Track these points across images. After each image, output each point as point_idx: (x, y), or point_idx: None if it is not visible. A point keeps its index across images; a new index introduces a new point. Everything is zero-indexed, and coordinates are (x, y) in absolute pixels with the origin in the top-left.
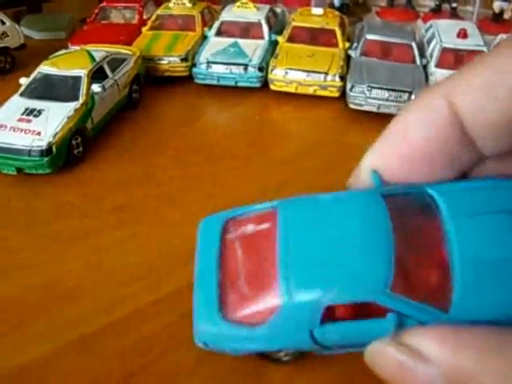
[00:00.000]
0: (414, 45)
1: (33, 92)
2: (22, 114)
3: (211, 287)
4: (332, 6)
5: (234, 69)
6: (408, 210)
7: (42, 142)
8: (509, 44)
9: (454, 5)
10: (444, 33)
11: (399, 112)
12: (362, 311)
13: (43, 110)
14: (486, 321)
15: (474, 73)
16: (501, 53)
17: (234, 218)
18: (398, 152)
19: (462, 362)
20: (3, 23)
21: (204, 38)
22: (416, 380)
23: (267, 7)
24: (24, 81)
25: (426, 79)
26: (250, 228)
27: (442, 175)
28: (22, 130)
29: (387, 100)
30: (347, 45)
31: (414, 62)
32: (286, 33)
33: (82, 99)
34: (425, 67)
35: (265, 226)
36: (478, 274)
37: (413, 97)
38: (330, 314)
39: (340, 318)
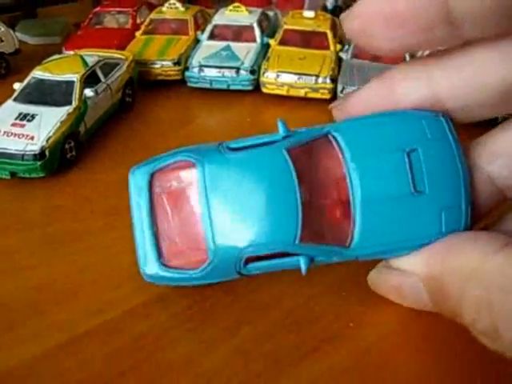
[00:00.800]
0: None
1: (26, 97)
2: (16, 119)
3: (149, 236)
4: (325, 8)
5: (227, 72)
6: (312, 157)
7: (35, 147)
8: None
9: None
10: None
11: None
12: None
13: (36, 114)
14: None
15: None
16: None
17: (159, 171)
18: (382, 14)
19: (433, 268)
20: None
21: (197, 41)
22: (406, 292)
23: (259, 11)
24: (18, 86)
25: None
26: (174, 183)
27: (413, 42)
28: (15, 134)
29: None
30: (339, 47)
31: None
32: (278, 36)
33: (74, 103)
34: None
35: (187, 181)
36: (376, 211)
37: None
38: (251, 259)
39: (261, 258)
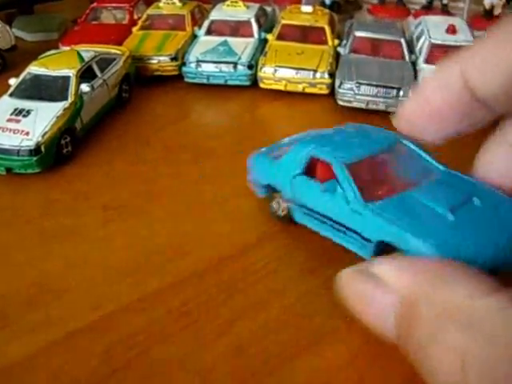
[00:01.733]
0: (402, 41)
1: (22, 92)
2: (11, 114)
3: None
4: (323, 3)
5: (224, 67)
6: None
7: (31, 142)
8: (509, 21)
9: (445, 1)
10: (433, 29)
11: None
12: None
13: (32, 109)
14: None
15: (481, 45)
16: (502, 27)
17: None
18: (421, 110)
19: (414, 288)
20: None
21: (194, 37)
22: (375, 305)
23: (257, 6)
24: (13, 81)
25: (415, 75)
26: None
27: (455, 130)
28: (10, 130)
29: (376, 96)
30: (336, 42)
31: (403, 58)
32: (276, 31)
33: (70, 99)
34: (414, 63)
35: None
36: None
37: (401, 93)
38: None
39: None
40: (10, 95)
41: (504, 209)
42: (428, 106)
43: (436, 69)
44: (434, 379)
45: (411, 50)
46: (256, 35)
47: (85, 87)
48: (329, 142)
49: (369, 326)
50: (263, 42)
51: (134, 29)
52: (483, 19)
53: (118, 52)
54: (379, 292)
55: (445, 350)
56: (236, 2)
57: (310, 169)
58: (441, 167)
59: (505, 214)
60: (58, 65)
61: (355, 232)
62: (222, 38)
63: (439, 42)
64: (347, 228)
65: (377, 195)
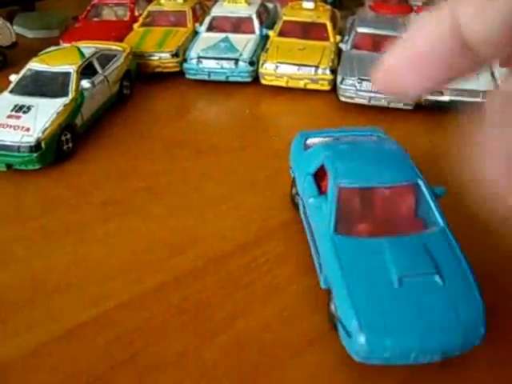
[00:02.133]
0: None
1: (22, 88)
2: (12, 111)
3: None
4: (324, 0)
5: (225, 64)
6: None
7: (31, 138)
8: None
9: None
10: None
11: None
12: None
13: (32, 106)
14: None
15: None
16: None
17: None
18: (406, 55)
19: None
20: None
21: (195, 33)
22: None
23: (258, 2)
24: (14, 78)
25: None
26: None
27: (440, 78)
28: (11, 126)
29: (378, 92)
30: (338, 38)
31: None
32: (277, 27)
33: (71, 95)
34: None
35: None
36: None
37: None
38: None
39: None
40: (11, 91)
41: (464, 298)
42: (412, 52)
43: (424, 14)
44: None
45: None
46: (257, 31)
47: (85, 83)
48: (346, 155)
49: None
50: (265, 39)
51: (135, 25)
52: None
53: (119, 48)
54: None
55: None
56: None
57: (321, 174)
58: (441, 222)
59: (462, 301)
60: (58, 61)
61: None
62: (223, 35)
63: None
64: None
65: (348, 230)
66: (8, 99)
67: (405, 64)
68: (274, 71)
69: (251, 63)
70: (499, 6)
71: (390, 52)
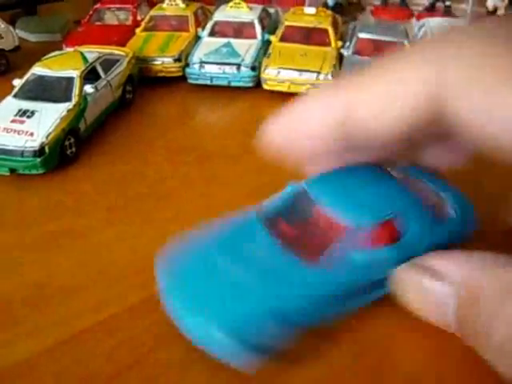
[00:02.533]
0: (406, 43)
1: (26, 93)
2: (16, 115)
3: None
4: (326, 5)
5: (227, 69)
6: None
7: (35, 143)
8: (409, 50)
9: (448, 3)
10: (436, 31)
11: (306, 93)
12: None
13: (36, 110)
14: None
15: (374, 80)
16: (399, 59)
17: None
18: (299, 132)
19: (472, 280)
20: None
21: (197, 38)
22: (432, 298)
23: (260, 7)
24: (17, 82)
25: None
26: None
27: (325, 162)
28: (15, 130)
29: None
30: (340, 44)
31: None
32: (279, 32)
33: (74, 100)
34: None
35: None
36: None
37: None
38: None
39: None
40: (14, 96)
41: None
42: (307, 132)
43: (321, 93)
44: (498, 359)
45: None
46: (259, 37)
47: (89, 88)
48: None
49: (427, 318)
50: (266, 44)
51: (138, 30)
52: None
53: (122, 53)
54: (437, 283)
55: (509, 324)
56: (239, 3)
57: None
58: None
59: None
60: (61, 66)
61: None
62: (225, 40)
63: None
64: None
65: None
66: (12, 104)
67: (299, 137)
68: (276, 76)
69: (253, 68)
70: (394, 112)
71: (281, 123)
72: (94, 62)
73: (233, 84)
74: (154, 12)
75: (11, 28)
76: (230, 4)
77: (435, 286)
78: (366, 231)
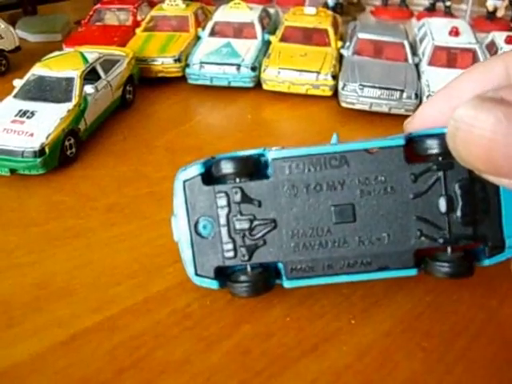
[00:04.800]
0: (406, 43)
1: (26, 93)
2: (16, 116)
3: None
4: (326, 5)
5: (227, 69)
6: None
7: (35, 143)
8: None
9: (448, 3)
10: (436, 31)
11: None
12: None
13: (36, 111)
14: None
15: None
16: None
17: None
18: (450, 105)
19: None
20: None
21: (198, 38)
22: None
23: (260, 7)
24: (17, 83)
25: (418, 77)
26: None
27: None
28: (15, 131)
29: (379, 98)
30: (340, 44)
31: (406, 60)
32: (279, 32)
33: (74, 100)
34: (417, 65)
35: None
36: None
37: (404, 95)
38: None
39: None
40: (15, 96)
41: None
42: (460, 101)
43: (475, 64)
44: None
45: (414, 52)
46: (259, 37)
47: (89, 89)
48: None
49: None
50: (266, 44)
51: (138, 30)
52: (486, 21)
53: (122, 53)
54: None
55: None
56: (239, 3)
57: None
58: None
59: None
60: (62, 66)
61: None
62: (225, 40)
63: (442, 44)
64: None
65: None
66: (12, 104)
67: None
68: (276, 77)
69: (253, 69)
70: None
71: (432, 100)
72: (94, 62)
73: (233, 84)
74: (154, 12)
75: (11, 28)
76: (230, 4)
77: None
78: None
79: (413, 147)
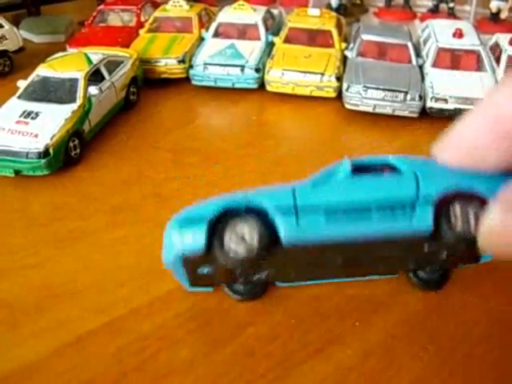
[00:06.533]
0: (409, 45)
1: (30, 94)
2: (20, 117)
3: None
4: (329, 7)
5: (231, 70)
6: None
7: (40, 145)
8: None
9: (452, 5)
10: (440, 32)
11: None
12: None
13: (41, 112)
14: None
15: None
16: None
17: None
18: (488, 128)
19: None
20: (2, 26)
21: (201, 39)
22: None
23: (264, 9)
24: (22, 83)
25: (422, 79)
26: None
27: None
28: (19, 132)
29: (383, 100)
30: (344, 45)
31: (410, 61)
32: (283, 34)
33: (79, 101)
34: (421, 67)
35: None
36: None
37: (408, 97)
38: None
39: None
40: (19, 97)
41: None
42: (499, 122)
43: (504, 79)
44: None
45: (418, 54)
46: (263, 38)
47: (93, 90)
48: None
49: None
50: (270, 45)
51: (142, 31)
52: (490, 22)
53: (126, 54)
54: None
55: None
56: (243, 4)
57: None
58: None
59: None
60: (66, 67)
61: None
62: (229, 41)
63: (446, 46)
64: None
65: None
66: (16, 105)
67: (488, 136)
68: (280, 78)
69: (257, 70)
70: None
71: (468, 122)
72: (98, 63)
73: (237, 86)
74: (157, 13)
75: (15, 29)
76: (234, 5)
77: None
78: None
79: None
